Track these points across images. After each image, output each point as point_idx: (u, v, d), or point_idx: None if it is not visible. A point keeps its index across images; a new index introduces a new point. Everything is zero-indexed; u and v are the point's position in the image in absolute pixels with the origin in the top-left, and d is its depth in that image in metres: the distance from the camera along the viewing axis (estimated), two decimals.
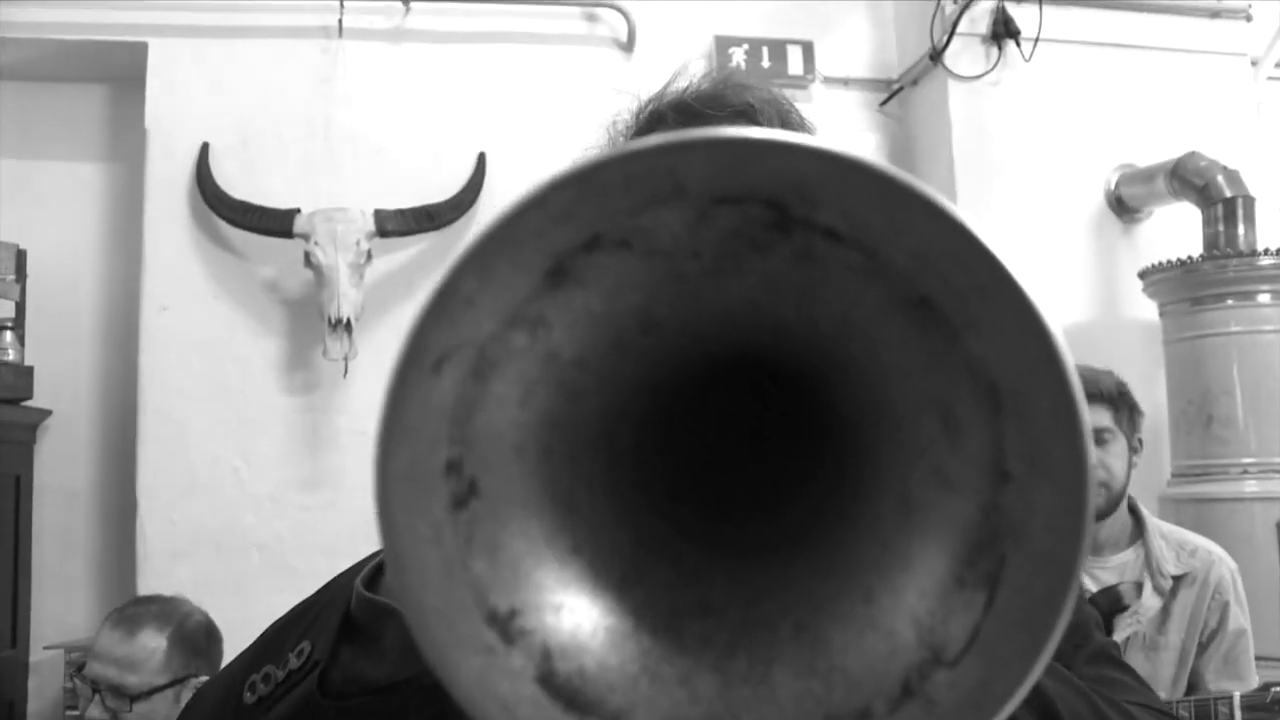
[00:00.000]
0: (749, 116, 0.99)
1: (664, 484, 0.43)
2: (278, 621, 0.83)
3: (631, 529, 0.41)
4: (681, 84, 1.04)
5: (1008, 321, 0.31)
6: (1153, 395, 4.05)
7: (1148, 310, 4.03)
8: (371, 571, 0.74)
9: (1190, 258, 3.76)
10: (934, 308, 0.33)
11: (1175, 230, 4.15)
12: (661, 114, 1.02)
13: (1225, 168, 3.88)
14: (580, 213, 0.33)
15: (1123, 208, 4.21)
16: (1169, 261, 3.82)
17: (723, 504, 0.44)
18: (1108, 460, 2.41)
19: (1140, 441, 2.52)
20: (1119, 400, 2.44)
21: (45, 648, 3.71)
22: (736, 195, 0.32)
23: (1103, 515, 2.44)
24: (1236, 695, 2.26)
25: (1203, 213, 3.89)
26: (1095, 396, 2.41)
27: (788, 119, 1.02)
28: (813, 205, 0.32)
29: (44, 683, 3.72)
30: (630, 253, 0.34)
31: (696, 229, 0.33)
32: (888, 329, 0.34)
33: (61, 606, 3.85)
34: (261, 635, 0.84)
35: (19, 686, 3.66)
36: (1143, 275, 3.94)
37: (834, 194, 0.32)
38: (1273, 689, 2.26)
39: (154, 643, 2.25)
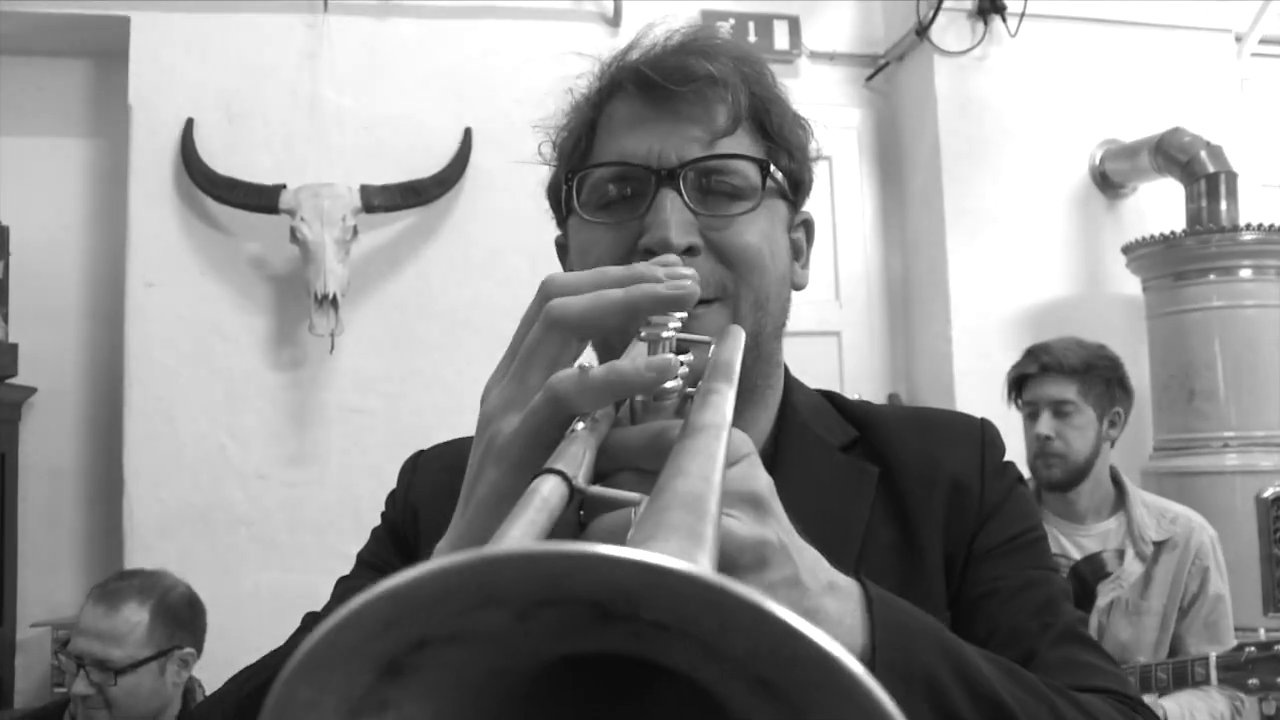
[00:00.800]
0: (711, 88, 0.95)
1: None
2: (261, 672, 0.84)
3: None
4: (646, 44, 1.00)
5: (852, 715, 0.32)
6: (1136, 369, 4.07)
7: (1131, 285, 4.06)
8: None
9: (1173, 233, 3.78)
10: (775, 689, 0.33)
11: (1159, 205, 4.18)
12: (620, 83, 0.99)
13: (1209, 143, 3.90)
14: (401, 623, 0.34)
15: (1107, 183, 4.24)
16: (1152, 237, 3.85)
17: None
18: (1066, 432, 2.49)
19: (1120, 415, 2.55)
20: (1086, 374, 2.49)
21: (32, 625, 3.71)
22: (555, 600, 0.33)
23: (1060, 486, 2.51)
24: (1212, 656, 2.31)
25: (1186, 188, 3.91)
26: (1056, 369, 2.48)
27: (756, 85, 0.99)
28: (636, 607, 0.33)
29: (31, 660, 3.73)
30: (461, 643, 0.36)
31: (521, 623, 0.35)
32: (733, 690, 0.35)
33: (48, 584, 3.84)
34: (242, 685, 0.87)
35: (6, 664, 3.66)
36: (1126, 250, 3.96)
37: (658, 599, 0.32)
38: (1246, 649, 2.30)
39: (136, 616, 2.26)
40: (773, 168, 0.98)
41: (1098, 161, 4.23)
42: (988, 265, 4.14)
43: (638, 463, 0.62)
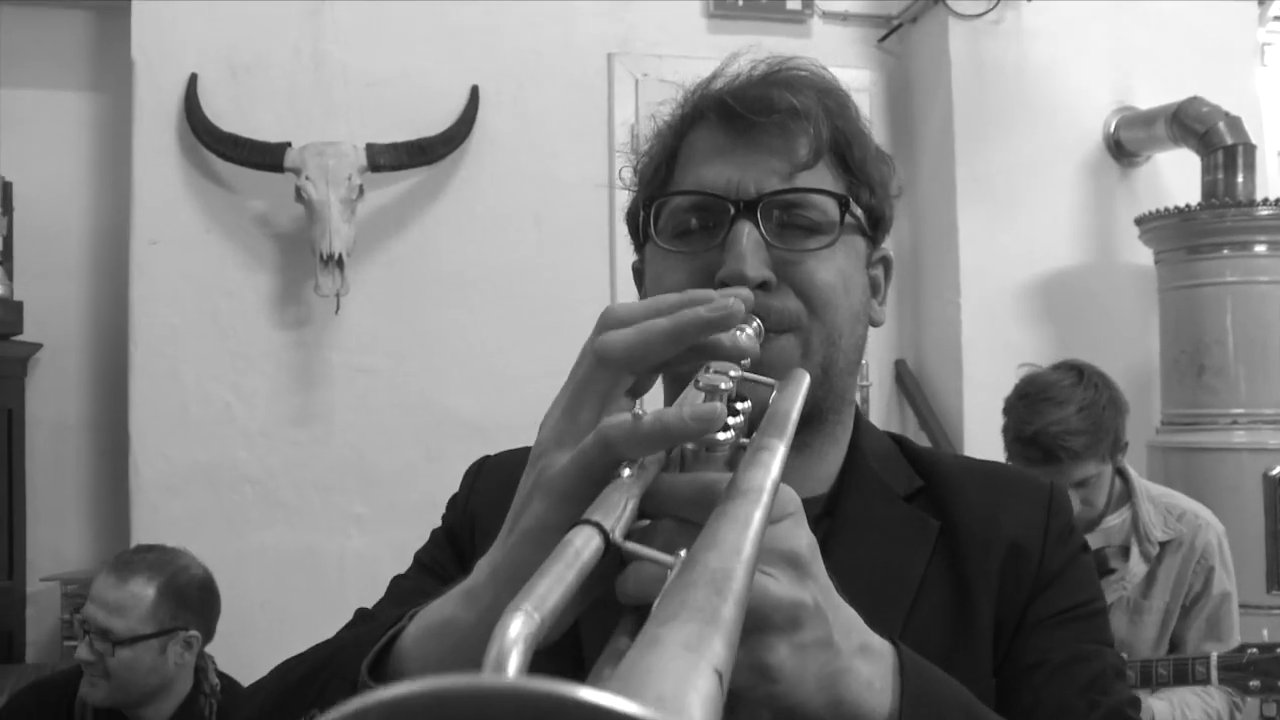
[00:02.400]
0: (793, 120, 0.94)
1: None
2: (304, 663, 0.83)
3: None
4: (730, 74, 0.99)
5: None
6: (1145, 343, 4.08)
7: (1143, 256, 4.03)
8: (376, 655, 0.74)
9: (1188, 205, 3.74)
10: None
11: (1174, 176, 4.14)
12: (702, 112, 0.99)
13: (1227, 114, 3.85)
14: None
15: (1121, 152, 4.19)
16: (1166, 209, 3.80)
17: None
18: (1091, 496, 2.40)
19: (1125, 441, 2.47)
20: (1098, 444, 2.35)
21: (41, 579, 3.74)
22: None
23: (1085, 531, 2.44)
24: (1214, 655, 2.30)
25: (1202, 159, 3.87)
26: (1071, 457, 2.33)
27: (839, 118, 0.98)
28: None
29: (41, 613, 3.77)
30: None
31: None
32: None
33: (56, 539, 3.87)
34: (284, 675, 0.84)
35: (17, 617, 3.70)
36: (1139, 222, 3.92)
37: None
38: (1249, 650, 2.30)
39: (143, 591, 2.26)
40: (852, 203, 0.96)
41: (1112, 130, 4.18)
42: (998, 233, 4.11)
43: (681, 512, 0.63)
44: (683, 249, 0.97)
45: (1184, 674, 2.30)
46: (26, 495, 3.79)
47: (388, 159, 3.71)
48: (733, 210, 0.93)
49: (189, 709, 2.32)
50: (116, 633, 2.22)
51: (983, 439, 3.69)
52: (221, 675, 2.43)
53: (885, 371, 4.37)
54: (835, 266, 0.95)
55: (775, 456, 0.66)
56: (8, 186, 3.68)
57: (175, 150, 3.70)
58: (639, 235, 1.05)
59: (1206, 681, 2.28)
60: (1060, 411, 2.32)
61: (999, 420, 2.49)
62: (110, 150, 3.91)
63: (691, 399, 0.66)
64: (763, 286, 0.92)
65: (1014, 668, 0.94)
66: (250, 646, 2.42)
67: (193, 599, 2.34)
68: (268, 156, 3.61)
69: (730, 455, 0.69)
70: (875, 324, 1.04)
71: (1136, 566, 2.44)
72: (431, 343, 3.84)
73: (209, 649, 2.43)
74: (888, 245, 1.07)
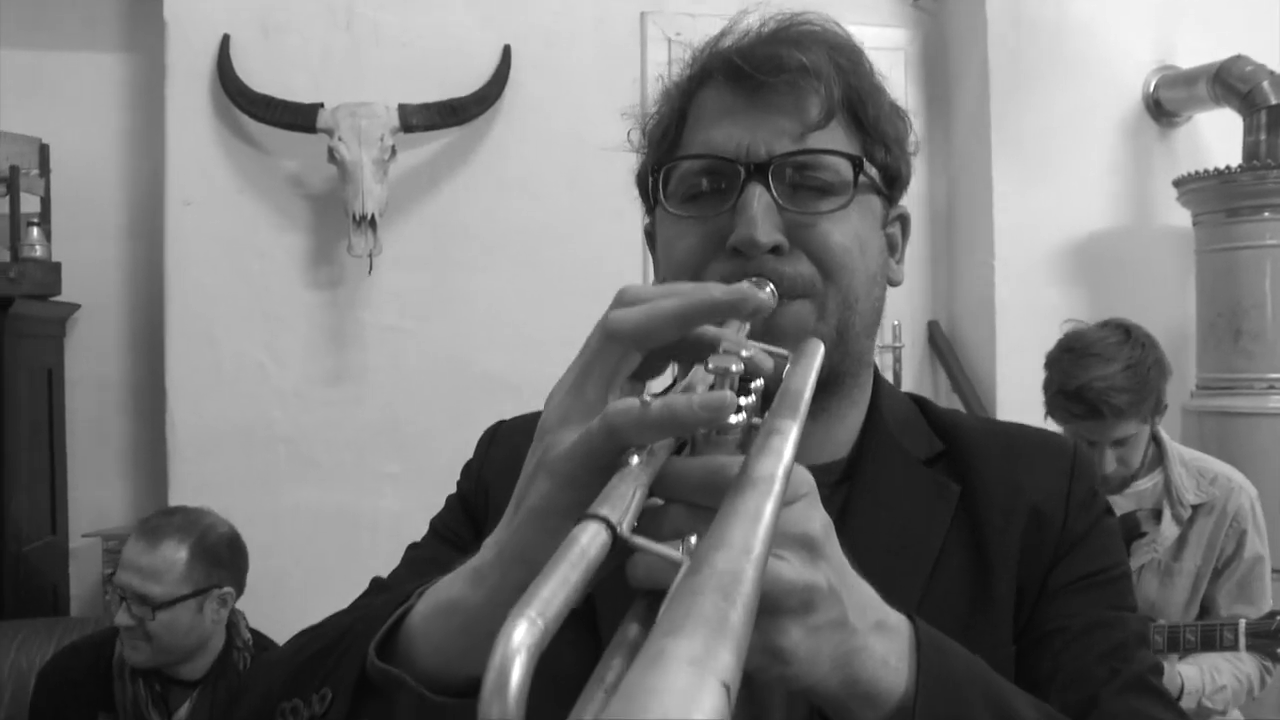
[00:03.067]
0: (803, 79, 0.91)
1: None
2: (316, 639, 0.83)
3: None
4: (739, 32, 0.96)
5: None
6: (1182, 305, 4.03)
7: (1181, 218, 3.98)
8: (385, 633, 0.75)
9: (1228, 167, 3.69)
10: None
11: (1214, 137, 4.08)
12: (710, 72, 0.96)
13: (1272, 73, 3.78)
14: None
15: (1160, 112, 4.12)
16: (1206, 171, 3.75)
17: None
18: (1127, 455, 2.38)
19: (1165, 408, 2.45)
20: (1142, 403, 2.33)
21: (83, 535, 3.81)
22: None
23: (1118, 490, 2.44)
24: (1242, 622, 2.30)
25: (1244, 120, 3.80)
26: (1114, 414, 2.30)
27: (852, 75, 0.95)
28: None
29: (83, 568, 3.84)
30: None
31: None
32: None
33: (96, 496, 3.93)
34: (299, 650, 0.85)
35: (61, 571, 3.78)
36: (1178, 184, 3.87)
37: None
38: (1278, 616, 2.30)
39: (175, 554, 2.30)
40: (866, 163, 0.94)
41: (1152, 89, 4.11)
42: (1033, 193, 4.06)
43: (692, 497, 0.62)
44: (693, 214, 0.95)
45: (1212, 640, 2.30)
46: (67, 453, 3.85)
47: (420, 119, 3.71)
48: (743, 173, 0.91)
49: (224, 663, 2.37)
50: (154, 597, 2.26)
51: (1016, 401, 3.68)
52: (252, 631, 2.47)
53: (918, 333, 4.35)
54: (850, 228, 0.93)
55: (787, 440, 0.64)
56: (45, 149, 3.71)
57: (208, 111, 3.72)
58: (649, 199, 1.03)
59: (1235, 647, 2.28)
60: (1106, 368, 2.31)
61: (1032, 382, 2.47)
62: (144, 112, 3.92)
63: (701, 380, 0.65)
64: (775, 251, 0.90)
65: (1034, 635, 0.92)
66: (284, 605, 2.46)
67: (224, 556, 2.38)
68: (300, 117, 3.62)
69: (742, 437, 0.67)
70: (894, 284, 1.02)
71: (1168, 530, 2.43)
72: (464, 303, 3.85)
73: (242, 605, 2.48)
74: (905, 204, 1.04)
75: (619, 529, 0.54)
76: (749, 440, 0.66)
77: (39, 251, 3.58)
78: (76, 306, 3.85)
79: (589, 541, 0.52)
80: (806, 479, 0.67)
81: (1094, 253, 4.10)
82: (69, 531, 3.83)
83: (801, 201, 0.92)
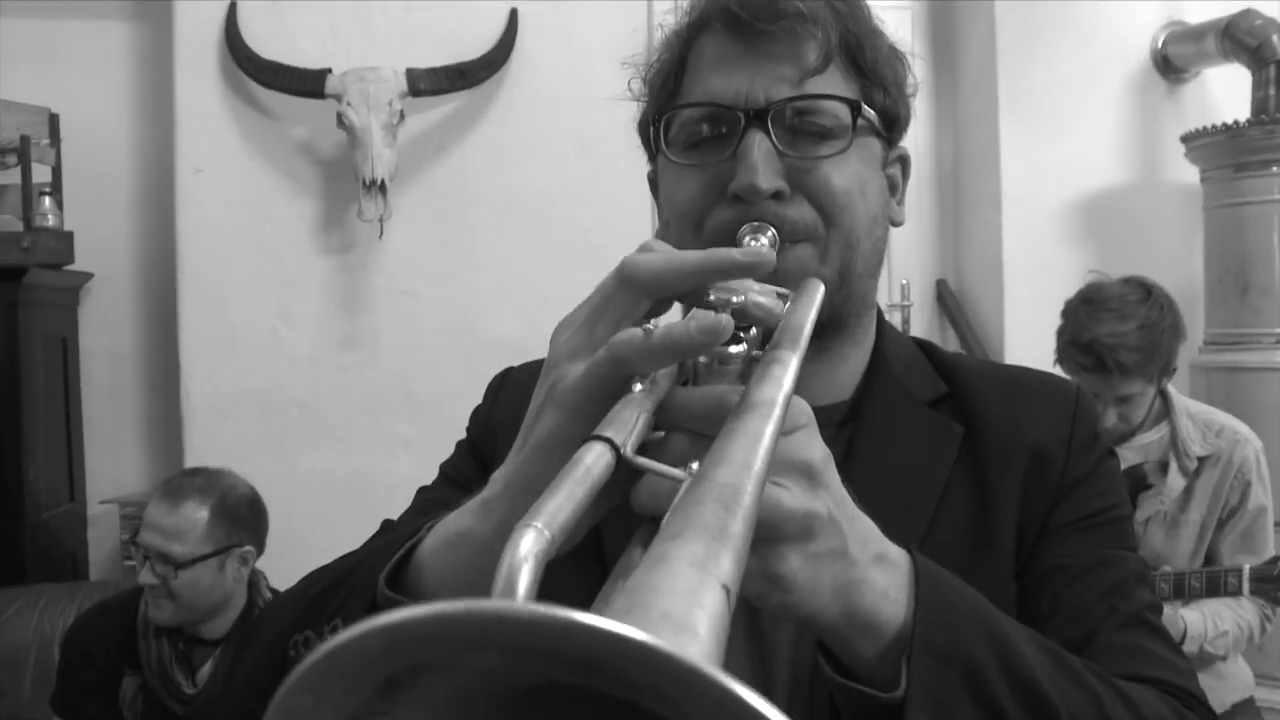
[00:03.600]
0: (800, 25, 0.92)
1: None
2: (327, 575, 0.86)
3: None
4: None
5: None
6: (1190, 262, 4.04)
7: (1189, 174, 3.98)
8: (394, 566, 0.76)
9: (1236, 122, 3.68)
10: None
11: (1222, 93, 4.06)
12: (708, 20, 0.97)
13: None
14: (396, 653, 0.36)
15: (1169, 67, 4.11)
16: (1214, 126, 3.74)
17: None
18: (1130, 413, 2.42)
19: (1174, 370, 2.47)
20: (1150, 363, 2.35)
21: (101, 502, 3.86)
22: (540, 652, 0.35)
23: (1116, 444, 2.47)
24: (1246, 568, 2.33)
25: (1253, 75, 3.79)
26: (1119, 370, 2.32)
27: (849, 20, 0.96)
28: (615, 669, 0.34)
29: (102, 535, 3.89)
30: (456, 671, 0.38)
31: (511, 661, 0.37)
32: None
33: (113, 463, 3.97)
34: (310, 585, 0.87)
35: (79, 538, 3.83)
36: (1186, 139, 3.87)
37: (630, 669, 0.34)
38: None
39: (197, 514, 2.35)
40: (864, 106, 0.95)
41: (1160, 45, 4.10)
42: (1041, 151, 4.06)
43: (693, 426, 0.64)
44: (694, 161, 0.96)
45: (1216, 585, 2.33)
46: (84, 422, 3.88)
47: (428, 84, 3.71)
48: (743, 120, 0.92)
49: (246, 621, 2.42)
50: (177, 556, 2.30)
51: (1023, 358, 3.66)
52: (273, 591, 2.52)
53: (926, 291, 4.36)
54: (850, 171, 0.94)
55: (787, 369, 0.66)
56: (55, 119, 3.72)
57: (217, 78, 3.72)
58: (651, 147, 1.04)
59: (1239, 593, 2.31)
60: (1121, 325, 2.33)
61: (1040, 339, 2.50)
62: (154, 80, 3.93)
63: (701, 314, 0.66)
64: (776, 196, 0.91)
65: (1034, 573, 0.94)
66: (301, 567, 2.47)
67: (244, 515, 2.42)
68: (309, 83, 3.62)
69: (743, 368, 0.69)
70: (895, 224, 1.04)
71: (1174, 481, 2.46)
72: (474, 266, 3.87)
73: (260, 567, 2.52)
74: (911, 158, 1.06)
75: (623, 450, 0.56)
76: (750, 372, 0.68)
77: (51, 221, 3.60)
78: (89, 276, 3.88)
79: (594, 461, 0.53)
80: (805, 409, 0.68)
81: (1102, 210, 4.10)
82: (87, 498, 3.87)
83: (801, 146, 0.93)
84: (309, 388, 3.79)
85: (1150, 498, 2.47)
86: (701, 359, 0.69)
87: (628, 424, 0.58)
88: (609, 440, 0.55)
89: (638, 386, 0.62)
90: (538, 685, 0.41)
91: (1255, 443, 2.49)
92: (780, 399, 0.62)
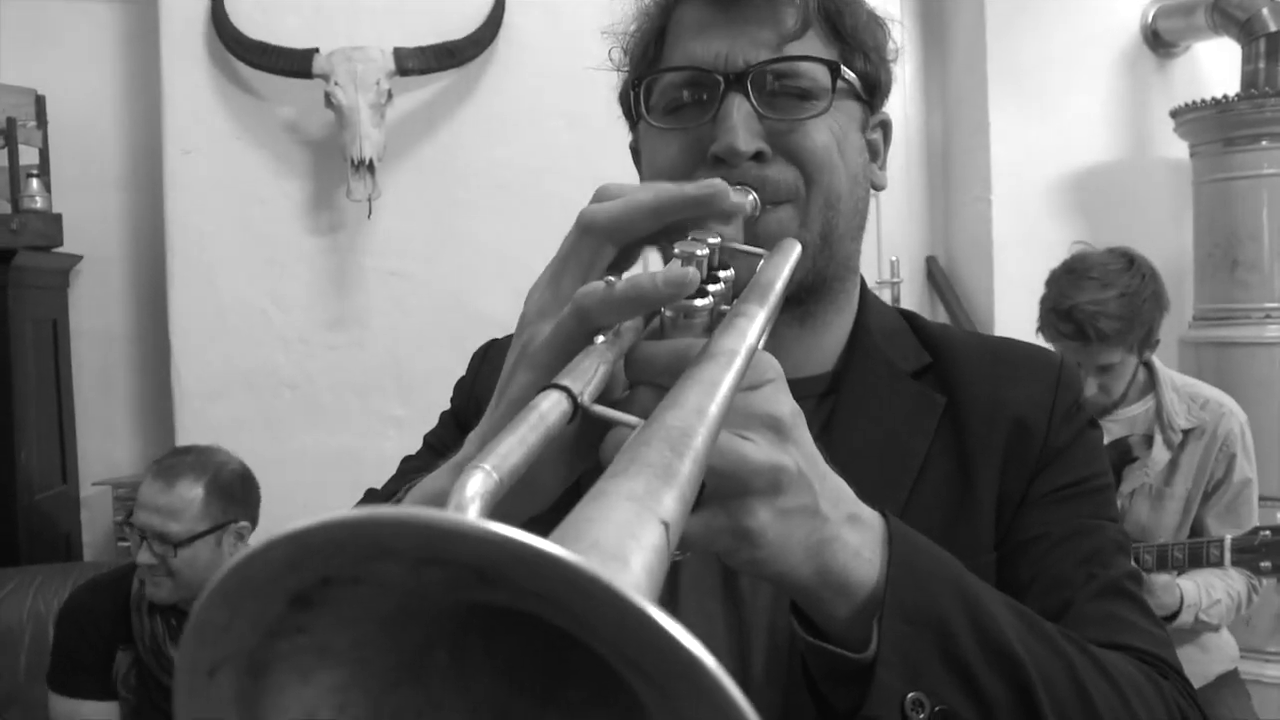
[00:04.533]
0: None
1: (485, 695, 0.47)
2: None
3: None
4: None
5: (705, 707, 0.33)
6: (1179, 237, 4.04)
7: (1178, 150, 3.98)
8: None
9: (1226, 97, 3.68)
10: (646, 673, 0.35)
11: (1212, 67, 4.06)
12: None
13: (1273, 0, 3.75)
14: (303, 564, 0.37)
15: (1158, 42, 4.10)
16: (1203, 100, 3.74)
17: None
18: (1110, 384, 2.43)
19: (1158, 337, 2.48)
20: (1131, 331, 2.36)
21: (94, 484, 3.86)
22: (439, 561, 0.35)
23: (1103, 413, 2.49)
24: (1227, 538, 2.35)
25: (1243, 49, 3.79)
26: (1100, 339, 2.33)
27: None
28: (508, 576, 0.34)
29: (95, 516, 3.89)
30: (364, 585, 0.38)
31: (414, 574, 0.37)
32: (615, 662, 0.37)
33: (105, 445, 3.97)
34: None
35: (73, 519, 3.83)
36: (1175, 114, 3.86)
37: (524, 574, 0.34)
38: (1261, 532, 2.35)
39: (191, 493, 2.36)
40: (843, 69, 0.96)
41: (1150, 19, 4.09)
42: (1030, 127, 4.06)
43: (657, 379, 0.64)
44: (675, 125, 0.97)
45: (1199, 556, 2.35)
46: (75, 404, 3.88)
47: (416, 63, 3.69)
48: (723, 83, 0.93)
49: None
50: (174, 535, 2.32)
51: (1013, 335, 3.69)
52: None
53: (916, 268, 4.36)
54: (828, 131, 0.95)
55: (752, 322, 0.66)
56: (41, 100, 3.70)
57: (204, 59, 3.70)
58: (632, 115, 1.05)
59: (1220, 564, 2.33)
60: (1102, 293, 2.35)
61: (1030, 316, 2.50)
62: (140, 61, 3.91)
63: (669, 267, 0.67)
64: (757, 158, 0.92)
65: (1014, 542, 0.94)
66: None
67: (237, 492, 2.44)
68: (295, 63, 3.61)
69: (710, 322, 0.69)
70: (877, 188, 1.05)
71: (1159, 454, 2.47)
72: (464, 245, 3.86)
73: (254, 542, 2.53)
74: (887, 110, 1.06)
75: (580, 398, 0.55)
76: (717, 327, 0.68)
77: (39, 203, 3.59)
78: (79, 258, 3.87)
79: (549, 408, 0.53)
80: (774, 365, 0.68)
81: (1091, 186, 4.10)
82: (79, 480, 3.88)
83: (781, 108, 0.94)
84: (299, 368, 3.79)
85: (1135, 470, 2.48)
86: (667, 312, 0.69)
87: (587, 373, 0.58)
88: (565, 389, 0.55)
89: (600, 338, 0.62)
90: (460, 610, 0.42)
91: (1240, 415, 2.50)
92: (742, 350, 0.62)
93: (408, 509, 0.35)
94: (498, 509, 0.45)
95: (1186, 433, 2.48)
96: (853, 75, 0.98)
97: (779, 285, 0.76)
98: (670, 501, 0.46)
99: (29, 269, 3.57)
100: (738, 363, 0.60)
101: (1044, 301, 2.45)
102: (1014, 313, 3.88)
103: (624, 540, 0.41)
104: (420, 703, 0.45)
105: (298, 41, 3.62)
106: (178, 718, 0.42)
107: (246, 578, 0.37)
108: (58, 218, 3.63)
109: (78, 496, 3.86)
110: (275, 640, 0.40)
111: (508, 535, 0.33)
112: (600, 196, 0.71)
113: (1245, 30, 3.77)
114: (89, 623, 2.42)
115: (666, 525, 0.44)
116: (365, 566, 0.37)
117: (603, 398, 0.60)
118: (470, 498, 0.44)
